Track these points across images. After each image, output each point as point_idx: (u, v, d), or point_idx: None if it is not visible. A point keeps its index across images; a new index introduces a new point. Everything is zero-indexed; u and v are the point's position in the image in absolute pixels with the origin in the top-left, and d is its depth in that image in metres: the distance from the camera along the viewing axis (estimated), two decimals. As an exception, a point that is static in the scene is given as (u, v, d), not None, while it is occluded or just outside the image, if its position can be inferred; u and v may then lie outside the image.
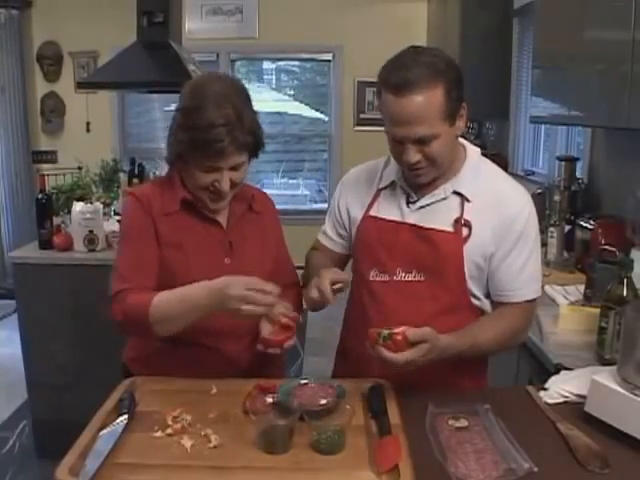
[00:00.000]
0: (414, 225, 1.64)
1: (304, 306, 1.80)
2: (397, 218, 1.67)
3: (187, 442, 1.30)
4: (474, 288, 1.64)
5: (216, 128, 1.51)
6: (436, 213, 1.63)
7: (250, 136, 1.58)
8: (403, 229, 1.65)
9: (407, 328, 1.41)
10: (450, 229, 1.60)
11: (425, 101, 1.47)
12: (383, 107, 1.54)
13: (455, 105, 1.53)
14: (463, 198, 1.62)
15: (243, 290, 1.43)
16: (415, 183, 1.64)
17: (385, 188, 1.73)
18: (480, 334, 1.58)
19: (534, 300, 1.67)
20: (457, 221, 1.60)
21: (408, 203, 1.67)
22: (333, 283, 1.55)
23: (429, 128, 1.49)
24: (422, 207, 1.65)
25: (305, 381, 1.50)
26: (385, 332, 1.40)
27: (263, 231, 1.78)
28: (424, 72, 1.47)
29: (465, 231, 1.59)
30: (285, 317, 1.59)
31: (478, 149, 1.72)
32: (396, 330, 1.40)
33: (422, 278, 1.63)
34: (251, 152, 1.63)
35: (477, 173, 1.65)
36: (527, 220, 1.61)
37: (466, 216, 1.60)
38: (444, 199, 1.63)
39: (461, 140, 1.69)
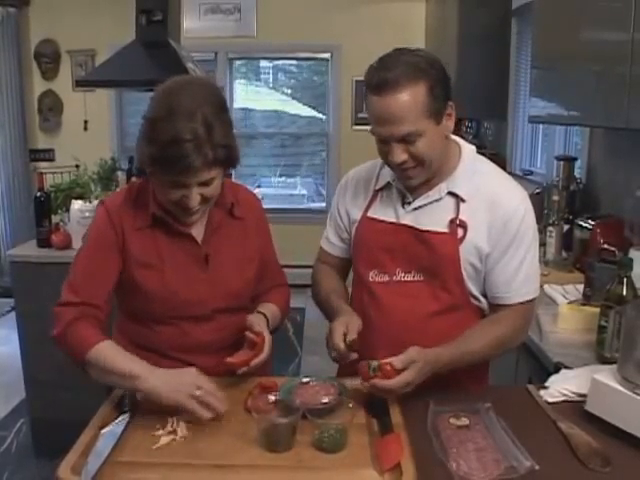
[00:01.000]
0: (410, 226, 1.63)
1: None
2: (393, 219, 1.67)
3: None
4: (472, 288, 1.63)
5: (182, 144, 1.40)
6: (431, 214, 1.62)
7: (222, 150, 1.47)
8: (400, 230, 1.65)
9: (393, 359, 1.41)
10: (445, 230, 1.60)
11: (406, 99, 1.47)
12: (368, 108, 1.55)
13: (440, 103, 1.52)
14: (458, 198, 1.61)
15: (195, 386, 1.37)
16: (407, 184, 1.64)
17: (382, 189, 1.72)
18: (471, 342, 1.57)
19: (531, 301, 1.66)
20: (452, 222, 1.59)
21: (403, 204, 1.67)
22: (345, 334, 1.54)
23: (412, 125, 1.49)
24: (417, 208, 1.64)
25: (307, 380, 1.51)
26: (374, 363, 1.40)
27: (245, 237, 1.71)
28: (405, 71, 1.47)
29: (460, 232, 1.59)
30: (251, 333, 1.55)
31: (473, 147, 1.70)
32: (383, 361, 1.40)
33: (421, 278, 1.63)
34: (224, 166, 1.53)
35: (473, 172, 1.64)
36: (522, 220, 1.60)
37: (461, 216, 1.59)
38: (439, 200, 1.63)
39: (456, 138, 1.69)
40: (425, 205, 1.64)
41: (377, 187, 1.73)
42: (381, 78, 1.48)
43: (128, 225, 1.60)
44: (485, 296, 1.66)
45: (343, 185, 1.83)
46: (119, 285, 1.63)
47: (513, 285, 1.61)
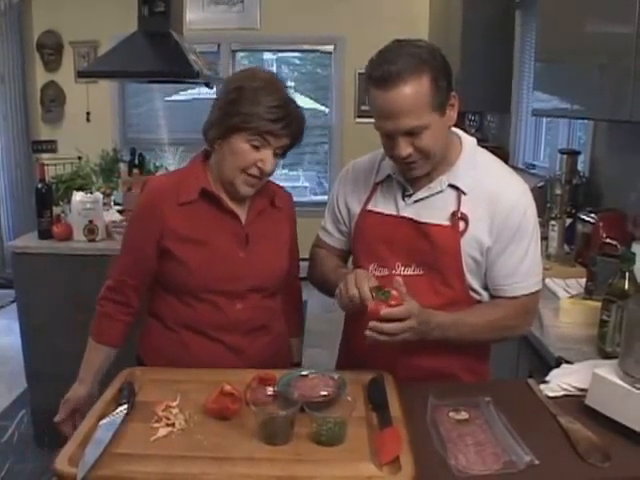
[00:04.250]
0: (410, 219, 1.62)
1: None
2: (393, 212, 1.66)
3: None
4: (473, 282, 1.63)
5: (280, 108, 1.56)
6: (432, 207, 1.61)
7: (296, 127, 1.62)
8: (400, 223, 1.64)
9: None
10: (447, 223, 1.59)
11: (411, 92, 1.45)
12: (371, 102, 1.53)
13: (444, 95, 1.50)
14: (459, 191, 1.60)
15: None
16: (409, 176, 1.63)
17: (382, 182, 1.71)
18: (465, 315, 1.59)
19: (535, 293, 1.65)
20: (454, 214, 1.58)
21: (404, 197, 1.66)
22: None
23: (417, 119, 1.47)
24: (418, 201, 1.63)
25: (306, 372, 1.50)
26: (383, 290, 1.46)
27: (281, 225, 1.80)
28: (407, 63, 1.45)
29: (462, 225, 1.58)
30: (229, 385, 1.40)
31: (474, 139, 1.69)
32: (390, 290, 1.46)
33: (421, 272, 1.62)
34: (292, 143, 1.65)
35: (473, 164, 1.63)
36: (524, 213, 1.59)
37: (462, 209, 1.58)
38: (440, 192, 1.61)
39: (456, 130, 1.67)
40: (426, 198, 1.63)
41: (377, 180, 1.72)
42: (383, 71, 1.46)
43: (171, 200, 1.66)
44: (486, 289, 1.65)
45: (343, 176, 1.82)
46: (159, 259, 1.69)
47: (515, 278, 1.61)
